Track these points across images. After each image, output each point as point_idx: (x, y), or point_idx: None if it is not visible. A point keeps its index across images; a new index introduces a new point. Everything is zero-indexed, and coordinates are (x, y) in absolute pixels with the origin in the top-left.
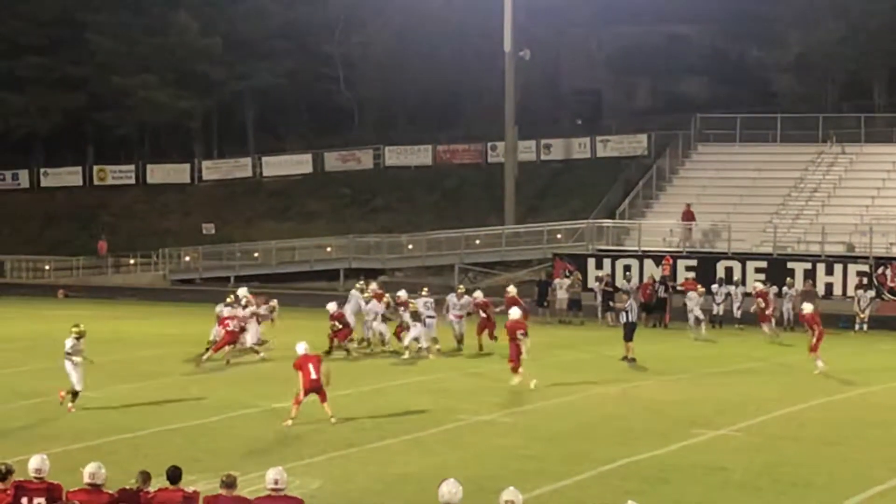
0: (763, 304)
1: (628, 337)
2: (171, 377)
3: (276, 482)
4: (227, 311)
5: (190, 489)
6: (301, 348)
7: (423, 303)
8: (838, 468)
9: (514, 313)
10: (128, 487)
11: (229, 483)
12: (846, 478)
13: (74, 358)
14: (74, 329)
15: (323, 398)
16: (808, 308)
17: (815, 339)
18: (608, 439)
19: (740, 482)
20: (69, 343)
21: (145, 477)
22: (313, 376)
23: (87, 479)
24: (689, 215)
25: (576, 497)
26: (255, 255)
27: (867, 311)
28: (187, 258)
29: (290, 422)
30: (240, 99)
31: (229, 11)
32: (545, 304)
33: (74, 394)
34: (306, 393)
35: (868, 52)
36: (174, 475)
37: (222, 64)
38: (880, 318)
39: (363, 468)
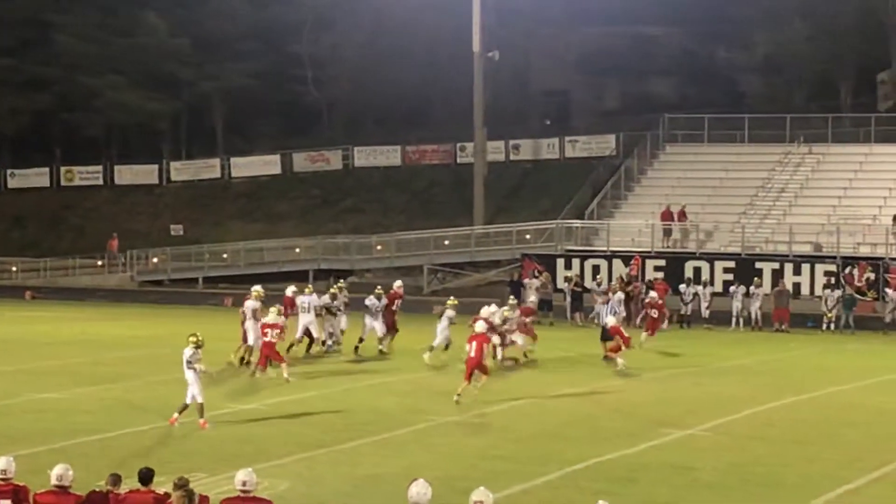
0: (655, 315)
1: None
2: (140, 379)
3: (244, 483)
4: (271, 318)
5: (161, 491)
6: (479, 326)
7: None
8: (807, 468)
9: (479, 327)
10: (97, 489)
11: (181, 485)
12: (815, 477)
13: (197, 366)
14: (192, 338)
15: (484, 372)
16: (611, 321)
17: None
18: (578, 439)
19: (709, 482)
20: (188, 352)
21: (115, 479)
22: (472, 354)
23: (54, 481)
24: (667, 215)
25: (545, 497)
26: (224, 256)
27: (834, 311)
28: (155, 259)
29: (457, 396)
30: (208, 100)
31: (198, 12)
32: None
33: (200, 406)
34: (469, 370)
35: (835, 53)
36: (146, 477)
37: (191, 65)
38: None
39: (333, 469)
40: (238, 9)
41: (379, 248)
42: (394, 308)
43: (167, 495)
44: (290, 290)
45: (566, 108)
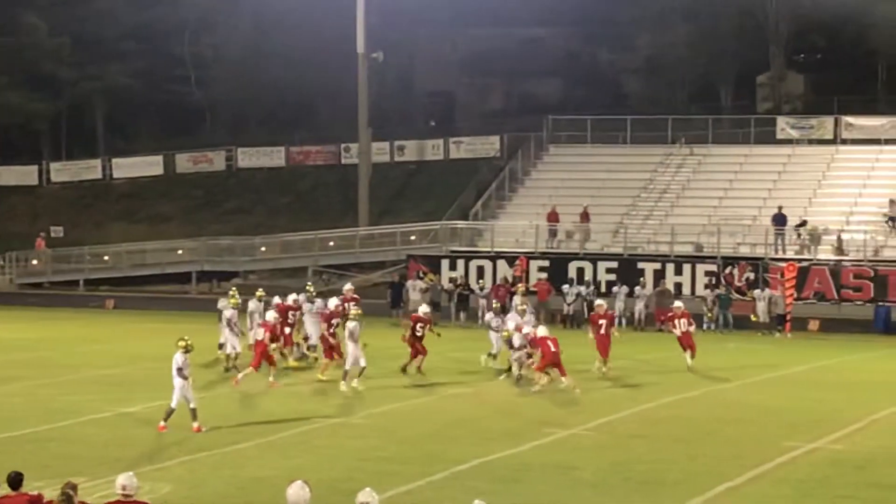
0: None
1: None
2: (20, 382)
3: (124, 488)
4: (271, 316)
5: (34, 492)
6: (541, 331)
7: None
8: (689, 465)
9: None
10: None
11: (66, 491)
12: (696, 475)
13: (186, 372)
14: (181, 343)
15: (562, 372)
16: (542, 331)
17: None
18: (462, 440)
19: (591, 481)
20: (180, 359)
21: None
22: (553, 349)
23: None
24: (553, 216)
25: (429, 497)
26: (105, 258)
27: (715, 310)
28: (35, 261)
29: (537, 387)
30: (89, 100)
31: (79, 12)
32: (399, 305)
33: (193, 411)
34: (548, 365)
35: (715, 56)
36: (15, 480)
37: (72, 64)
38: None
39: (216, 472)
40: (119, 9)
41: (263, 249)
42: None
43: (40, 496)
44: (292, 297)
45: (450, 109)
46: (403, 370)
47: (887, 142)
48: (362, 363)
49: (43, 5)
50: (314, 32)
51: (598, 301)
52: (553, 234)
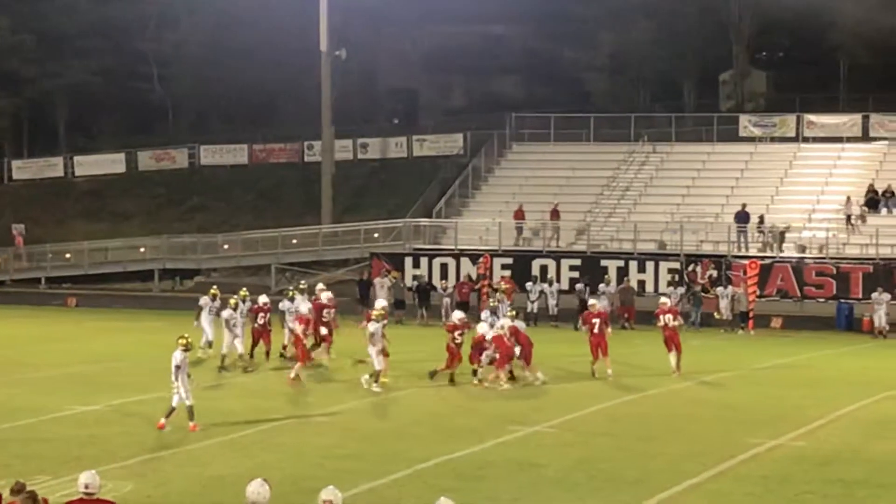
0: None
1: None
2: None
3: (87, 486)
4: (305, 308)
5: None
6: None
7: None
8: (651, 463)
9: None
10: None
11: (18, 489)
12: (659, 472)
13: (185, 370)
14: (181, 341)
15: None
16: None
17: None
18: (425, 438)
19: (554, 478)
20: (179, 356)
21: None
22: (507, 345)
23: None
24: (520, 214)
25: (392, 495)
26: (67, 256)
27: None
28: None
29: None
30: (51, 97)
31: (40, 8)
32: (367, 303)
33: (190, 409)
34: (507, 362)
35: (678, 54)
36: None
37: (33, 62)
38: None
39: (178, 470)
40: (81, 5)
41: (226, 247)
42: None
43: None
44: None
45: (414, 106)
46: (432, 375)
47: (849, 140)
48: (377, 366)
49: (4, 2)
50: (277, 30)
51: (592, 300)
52: (520, 231)
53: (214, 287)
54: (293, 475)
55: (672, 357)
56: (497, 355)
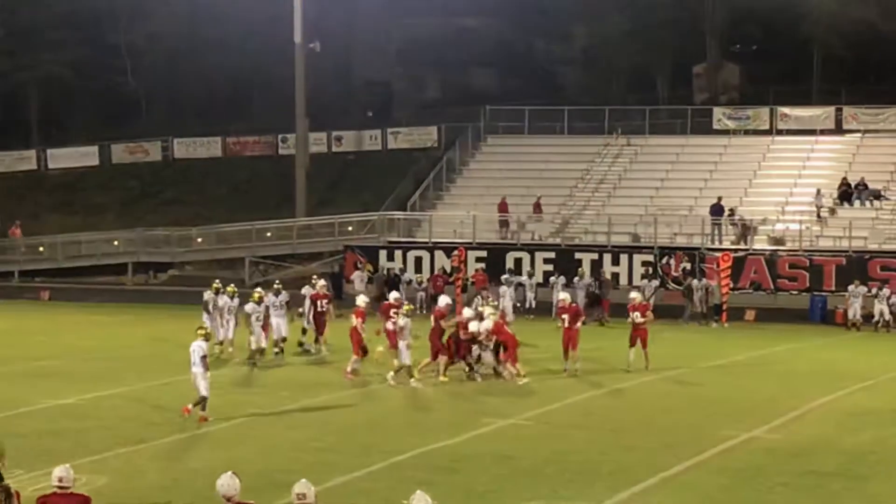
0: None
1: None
2: None
3: (61, 480)
4: (362, 301)
5: None
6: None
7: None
8: (624, 455)
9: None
10: None
11: None
12: (632, 464)
13: (206, 361)
14: (201, 331)
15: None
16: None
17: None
18: (400, 430)
19: (528, 470)
20: (204, 346)
21: None
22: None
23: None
24: (504, 207)
25: (367, 488)
26: (41, 249)
27: (652, 300)
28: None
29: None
30: (23, 90)
31: (11, 0)
32: (342, 297)
33: (204, 400)
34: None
35: (652, 46)
36: None
37: (5, 54)
38: (666, 306)
39: (152, 464)
40: None
41: (200, 240)
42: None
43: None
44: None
45: (388, 99)
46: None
47: (822, 132)
48: (406, 360)
49: None
50: (251, 22)
51: (563, 294)
52: (504, 224)
53: (217, 281)
54: (267, 468)
55: (632, 353)
56: (490, 345)
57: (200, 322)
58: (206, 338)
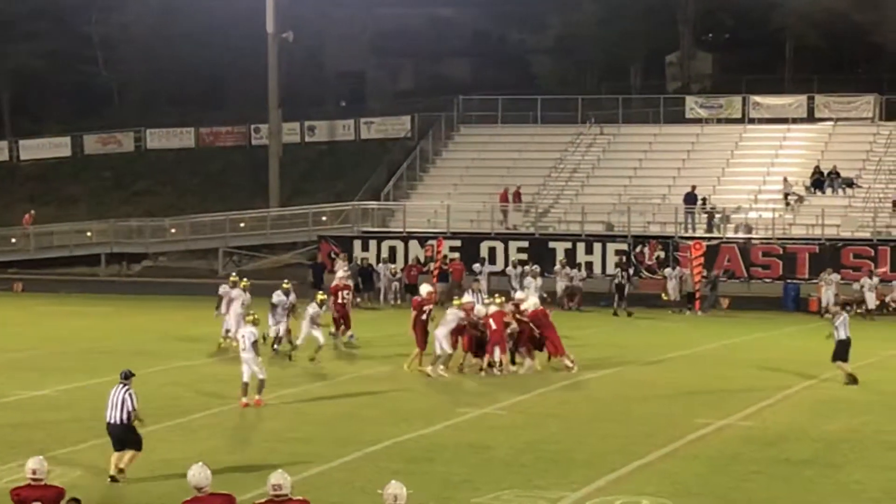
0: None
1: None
2: None
3: (34, 472)
4: (425, 291)
5: None
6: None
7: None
8: (600, 444)
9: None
10: None
11: None
12: (607, 453)
13: (257, 346)
14: (249, 318)
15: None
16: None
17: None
18: (376, 420)
19: (504, 459)
20: (256, 332)
21: None
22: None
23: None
24: (504, 197)
25: (343, 478)
26: (13, 240)
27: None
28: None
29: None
30: None
31: None
32: (320, 287)
33: (262, 382)
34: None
35: (625, 36)
36: None
37: None
38: (640, 295)
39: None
40: None
41: (173, 231)
42: (341, 301)
43: None
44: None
45: (361, 89)
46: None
47: (794, 121)
48: (448, 350)
49: None
50: (223, 12)
51: (520, 294)
52: (505, 214)
53: (234, 274)
54: (243, 459)
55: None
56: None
57: (173, 312)
58: (255, 322)
